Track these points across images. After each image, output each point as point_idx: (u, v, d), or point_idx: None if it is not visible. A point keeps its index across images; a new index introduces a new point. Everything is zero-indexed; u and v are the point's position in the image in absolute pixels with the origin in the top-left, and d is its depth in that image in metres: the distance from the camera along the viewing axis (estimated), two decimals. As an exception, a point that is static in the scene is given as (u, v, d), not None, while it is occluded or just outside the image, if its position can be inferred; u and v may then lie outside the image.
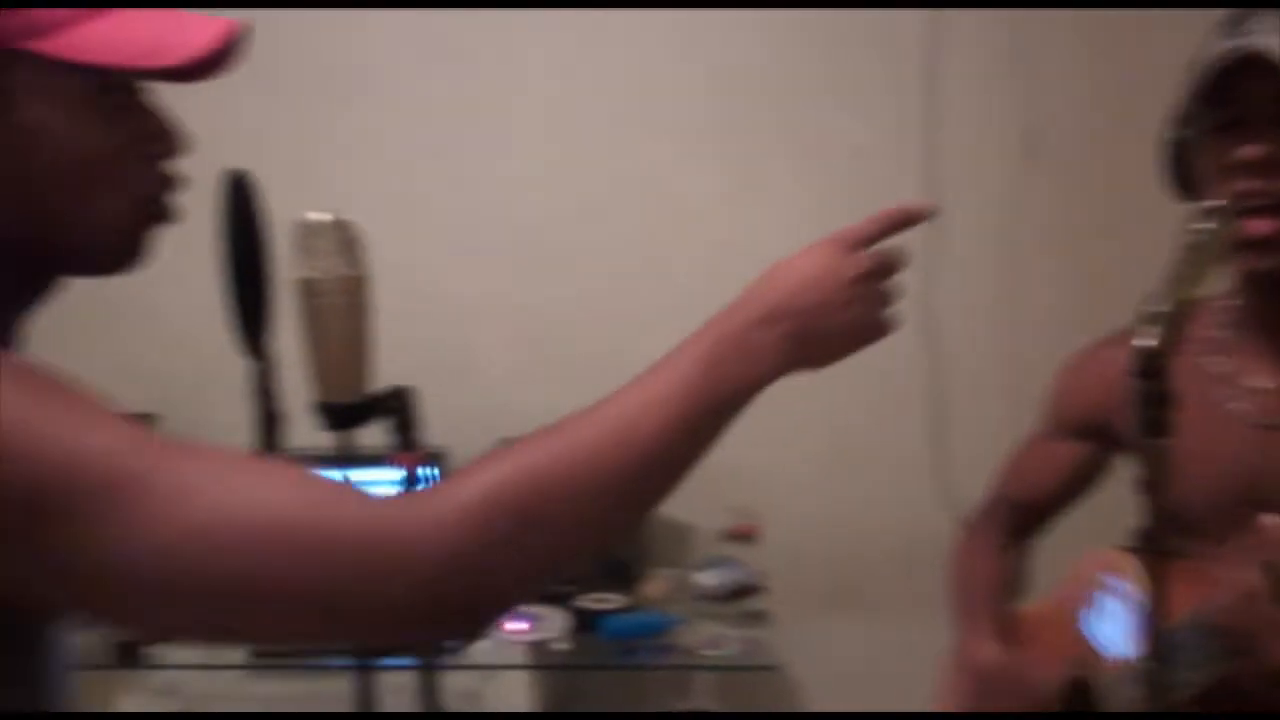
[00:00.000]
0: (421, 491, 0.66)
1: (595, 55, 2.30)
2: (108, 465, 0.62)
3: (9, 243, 0.71)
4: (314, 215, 0.87)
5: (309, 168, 2.15)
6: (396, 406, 0.91)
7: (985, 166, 2.28)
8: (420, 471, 0.90)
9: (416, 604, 0.64)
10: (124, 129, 0.73)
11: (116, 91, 0.72)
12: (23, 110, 0.69)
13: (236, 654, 1.91)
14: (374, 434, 0.91)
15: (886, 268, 0.78)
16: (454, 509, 0.64)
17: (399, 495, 0.67)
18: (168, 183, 0.76)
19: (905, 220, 0.79)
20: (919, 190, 2.17)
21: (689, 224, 2.33)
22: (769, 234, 2.28)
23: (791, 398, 2.49)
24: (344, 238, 0.88)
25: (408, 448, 0.91)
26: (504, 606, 0.69)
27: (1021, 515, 1.32)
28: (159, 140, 0.75)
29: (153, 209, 0.75)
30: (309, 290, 0.87)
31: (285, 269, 0.88)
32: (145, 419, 1.92)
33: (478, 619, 0.68)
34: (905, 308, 0.79)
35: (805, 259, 0.77)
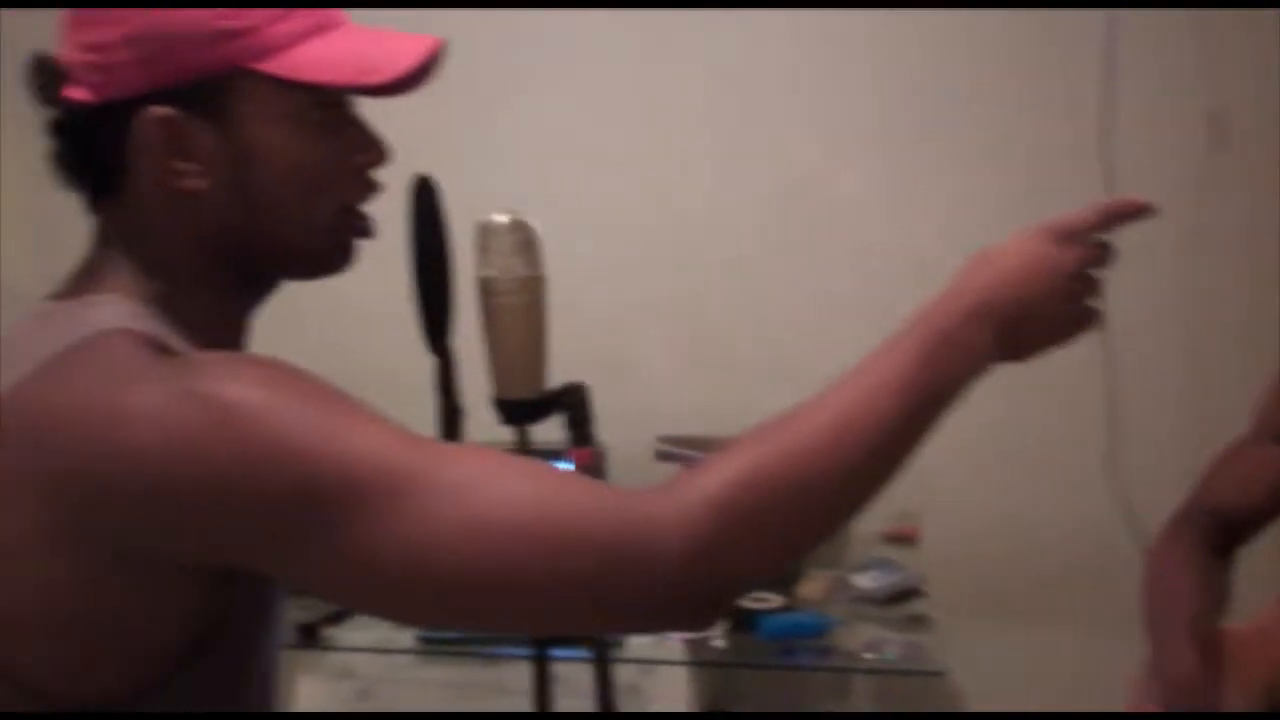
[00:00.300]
0: (664, 487, 0.69)
1: (755, 55, 2.29)
2: (381, 463, 0.66)
3: (235, 248, 0.77)
4: (495, 217, 0.90)
5: (477, 168, 2.21)
6: (571, 402, 0.94)
7: (1168, 156, 2.15)
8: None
9: (665, 596, 0.67)
10: (336, 141, 0.78)
11: (329, 107, 0.77)
12: (246, 125, 0.75)
13: (410, 638, 1.99)
14: (550, 429, 0.94)
15: (1099, 261, 0.75)
16: (697, 505, 0.67)
17: (645, 490, 0.69)
18: (373, 191, 0.81)
19: (1125, 213, 0.77)
20: (1098, 185, 2.08)
21: (850, 227, 2.29)
22: (934, 237, 2.22)
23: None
24: (522, 239, 0.91)
25: (582, 443, 0.93)
26: (740, 595, 0.73)
27: (1226, 525, 1.24)
28: (367, 151, 0.79)
29: (359, 217, 0.80)
30: (489, 289, 0.90)
31: (467, 268, 0.91)
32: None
33: (717, 608, 0.70)
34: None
35: (1019, 248, 0.76)
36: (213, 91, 0.73)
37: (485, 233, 0.91)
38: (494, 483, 0.67)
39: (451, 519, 0.65)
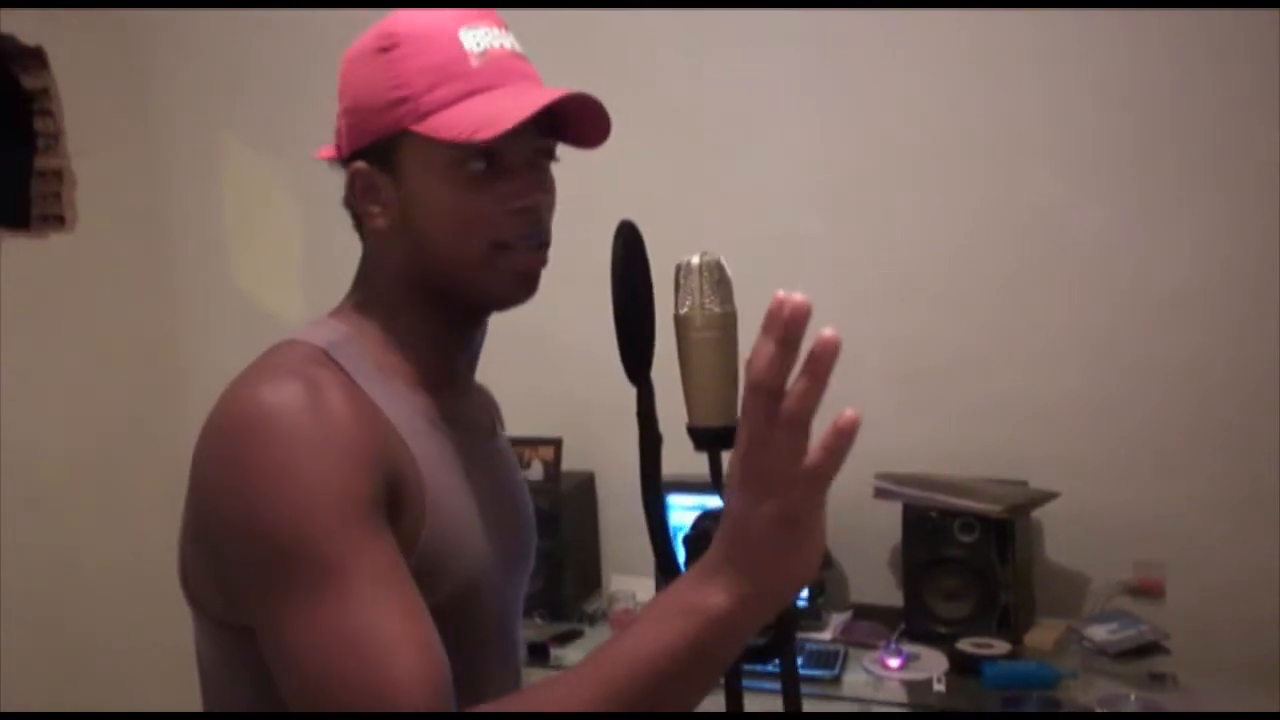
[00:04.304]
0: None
1: (977, 85, 2.26)
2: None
3: (422, 280, 0.91)
4: (692, 258, 0.96)
5: (690, 212, 2.30)
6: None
7: None
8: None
9: None
10: (491, 187, 0.89)
11: (491, 157, 0.88)
12: (410, 176, 0.89)
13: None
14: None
15: (801, 479, 0.77)
16: None
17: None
18: (526, 228, 0.91)
19: (791, 330, 0.71)
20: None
21: (1093, 262, 2.20)
22: (1174, 270, 2.10)
23: (1206, 442, 2.28)
24: (716, 278, 0.96)
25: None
26: None
27: None
28: (520, 196, 0.90)
29: (521, 252, 0.91)
30: (683, 324, 0.96)
31: (667, 306, 0.98)
32: (552, 442, 2.18)
33: None
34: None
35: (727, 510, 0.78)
36: (388, 149, 0.90)
37: (683, 272, 0.97)
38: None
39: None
